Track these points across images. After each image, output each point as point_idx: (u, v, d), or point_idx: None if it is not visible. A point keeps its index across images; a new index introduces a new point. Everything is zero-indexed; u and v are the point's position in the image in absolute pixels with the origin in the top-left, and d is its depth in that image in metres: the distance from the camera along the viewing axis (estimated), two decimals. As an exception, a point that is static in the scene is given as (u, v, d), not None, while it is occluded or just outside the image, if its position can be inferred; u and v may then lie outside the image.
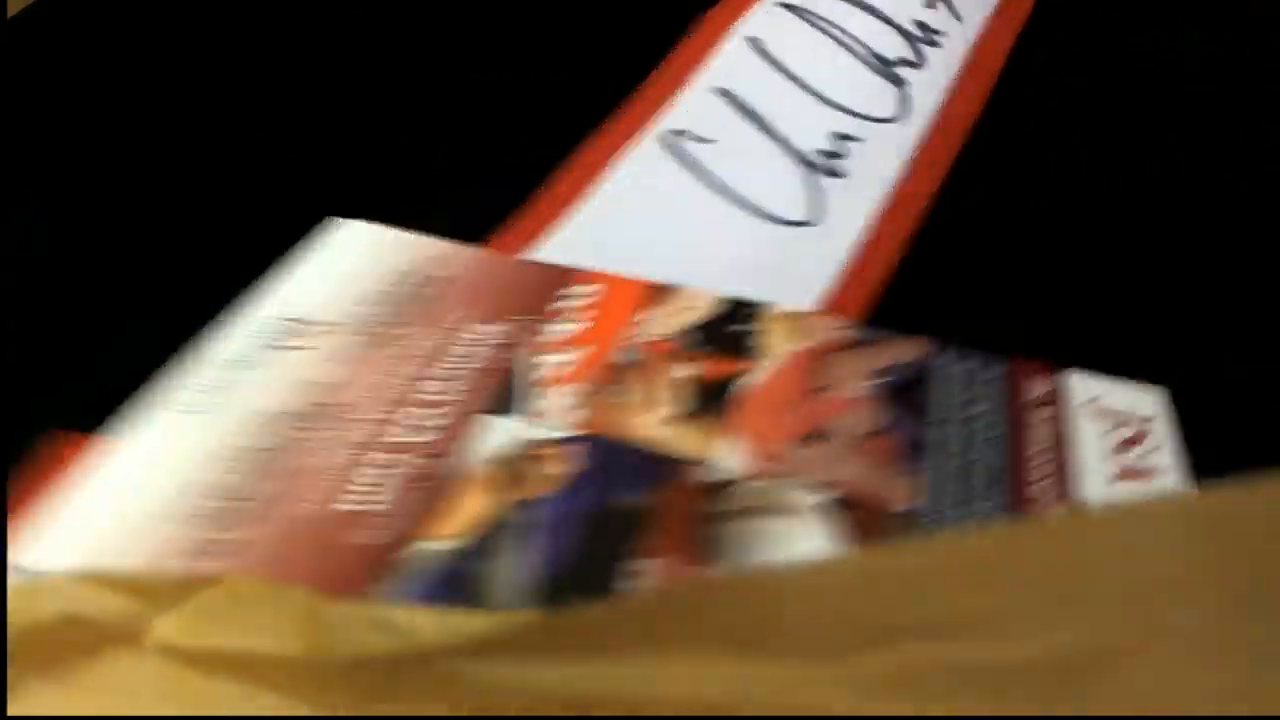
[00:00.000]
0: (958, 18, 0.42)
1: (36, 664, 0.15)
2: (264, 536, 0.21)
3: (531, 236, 0.30)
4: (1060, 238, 0.32)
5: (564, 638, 0.14)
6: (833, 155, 0.35)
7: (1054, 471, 0.23)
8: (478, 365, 0.25)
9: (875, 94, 0.38)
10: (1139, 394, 0.25)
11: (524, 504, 0.22)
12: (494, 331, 0.26)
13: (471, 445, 0.23)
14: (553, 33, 0.41)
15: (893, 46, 0.40)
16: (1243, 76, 0.41)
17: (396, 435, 0.23)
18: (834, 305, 0.29)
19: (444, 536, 0.21)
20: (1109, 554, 0.13)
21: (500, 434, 0.23)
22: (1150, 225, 0.33)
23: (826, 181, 0.33)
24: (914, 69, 0.39)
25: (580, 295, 0.27)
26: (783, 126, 0.35)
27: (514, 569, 0.20)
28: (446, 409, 0.23)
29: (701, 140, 0.34)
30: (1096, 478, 0.23)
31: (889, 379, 0.25)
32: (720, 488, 0.22)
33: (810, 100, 0.37)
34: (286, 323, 0.26)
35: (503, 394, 0.24)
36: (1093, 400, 0.25)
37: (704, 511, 0.22)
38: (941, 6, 0.43)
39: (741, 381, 0.25)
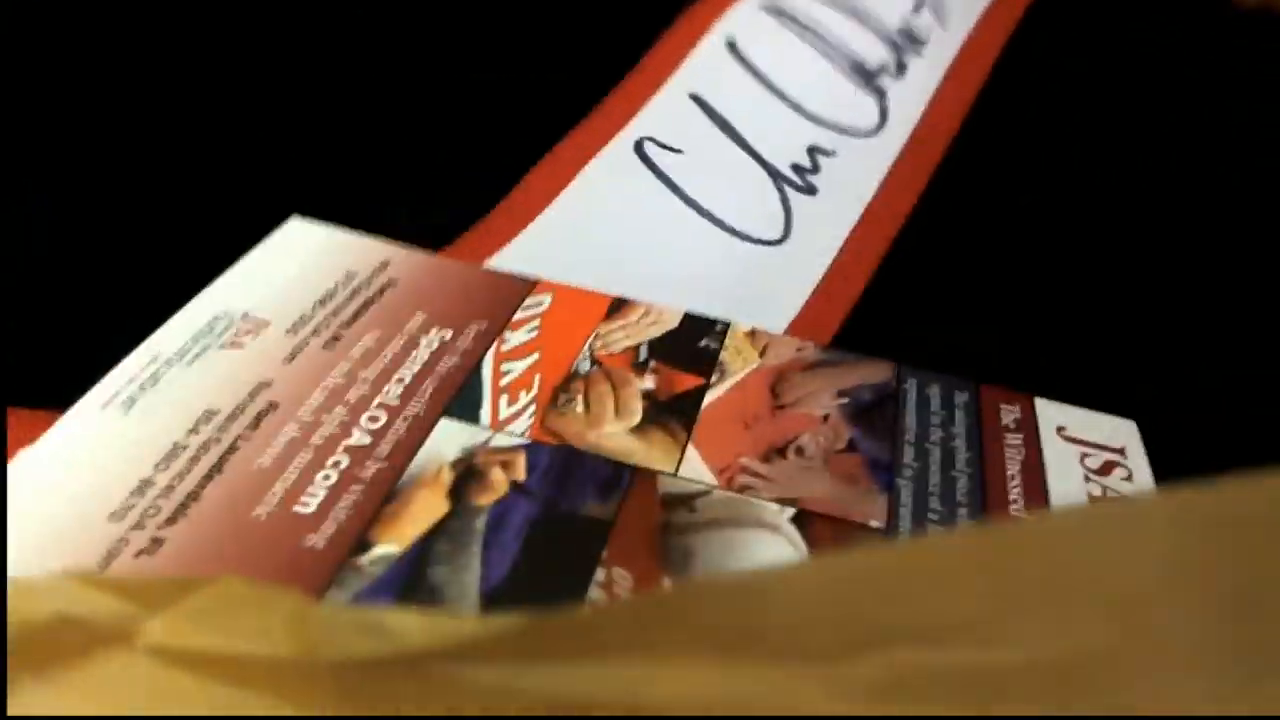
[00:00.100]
0: (943, 25, 0.42)
1: (29, 664, 0.14)
2: (209, 538, 0.20)
3: (498, 241, 0.29)
4: (1037, 258, 0.32)
5: (554, 641, 0.14)
6: (806, 170, 0.34)
7: (1027, 496, 0.23)
8: (436, 370, 0.24)
9: (854, 105, 0.37)
10: (1112, 422, 0.25)
11: (480, 510, 0.21)
12: (453, 337, 0.25)
13: (428, 450, 0.22)
14: (527, 33, 0.40)
15: (875, 54, 0.40)
16: (1227, 95, 0.41)
17: (351, 438, 0.22)
18: (804, 326, 0.28)
19: (397, 542, 0.20)
20: (1097, 555, 0.13)
21: (457, 440, 0.23)
22: (1130, 249, 0.33)
23: (798, 198, 0.33)
24: (895, 79, 0.39)
25: (542, 304, 0.26)
26: (756, 138, 0.35)
27: (467, 576, 0.20)
28: (403, 413, 0.23)
29: (671, 150, 0.34)
30: (1069, 503, 0.23)
31: (857, 399, 0.25)
32: (682, 500, 0.22)
33: (786, 110, 0.36)
34: (237, 320, 0.25)
35: (461, 400, 0.23)
36: (1064, 428, 0.25)
37: (665, 522, 0.21)
38: (927, 12, 0.42)
39: (705, 396, 0.24)
